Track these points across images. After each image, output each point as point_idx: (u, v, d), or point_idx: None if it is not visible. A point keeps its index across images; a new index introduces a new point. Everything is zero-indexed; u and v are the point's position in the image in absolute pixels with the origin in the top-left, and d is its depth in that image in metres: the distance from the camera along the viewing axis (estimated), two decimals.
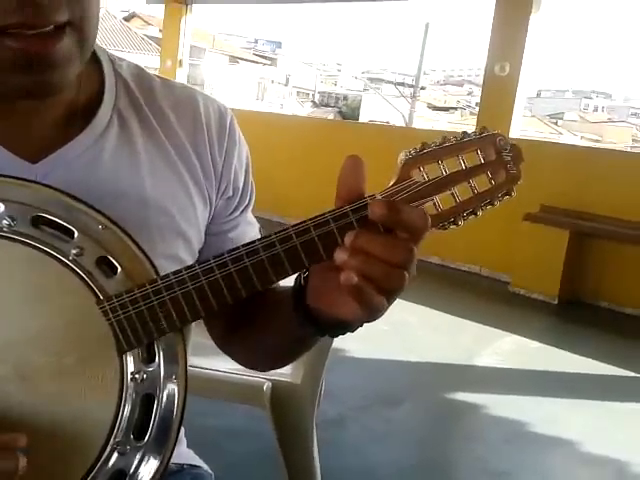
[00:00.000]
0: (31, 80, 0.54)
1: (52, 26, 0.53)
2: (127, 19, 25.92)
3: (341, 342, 3.07)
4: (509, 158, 0.57)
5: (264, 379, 1.51)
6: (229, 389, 1.54)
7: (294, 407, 1.56)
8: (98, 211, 0.54)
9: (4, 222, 0.52)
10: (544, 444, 2.40)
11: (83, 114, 0.64)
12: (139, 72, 0.71)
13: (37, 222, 0.53)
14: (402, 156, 0.56)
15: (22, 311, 0.52)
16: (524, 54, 4.77)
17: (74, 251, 0.53)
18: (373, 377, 2.88)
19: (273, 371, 0.76)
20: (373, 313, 0.54)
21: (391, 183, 0.56)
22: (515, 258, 4.46)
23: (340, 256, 0.52)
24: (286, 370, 1.57)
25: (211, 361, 1.45)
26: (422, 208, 0.54)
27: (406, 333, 3.48)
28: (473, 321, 3.73)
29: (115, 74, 0.68)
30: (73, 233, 0.54)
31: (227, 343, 0.77)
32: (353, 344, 2.99)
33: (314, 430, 1.66)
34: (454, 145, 0.56)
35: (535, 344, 3.53)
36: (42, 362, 0.52)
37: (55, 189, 0.54)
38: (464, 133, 0.57)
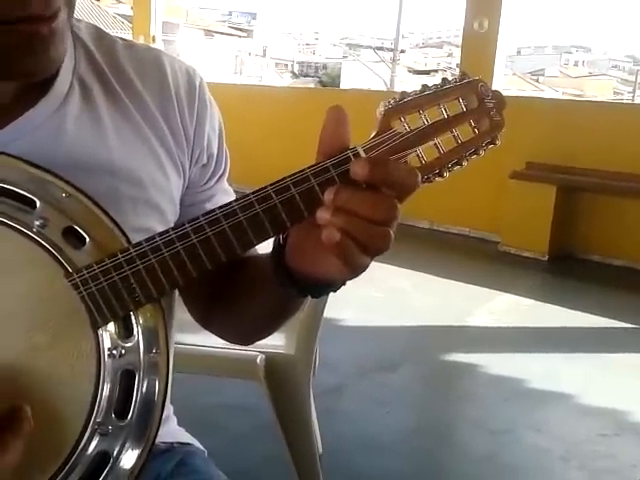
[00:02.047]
0: (41, 60, 0.54)
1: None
2: None
3: (334, 311, 3.09)
4: (492, 105, 0.55)
5: (257, 352, 1.49)
6: (222, 364, 1.52)
7: (289, 378, 1.54)
8: (60, 178, 0.50)
9: None
10: (542, 399, 2.42)
11: (41, 82, 0.60)
12: (99, 34, 0.67)
13: None
14: (381, 107, 0.53)
15: None
16: (502, 9, 4.70)
17: (37, 222, 0.49)
18: (368, 344, 2.88)
19: (266, 343, 0.74)
20: (355, 271, 0.52)
21: (372, 135, 0.53)
22: (503, 217, 4.46)
23: (322, 215, 0.50)
24: (279, 341, 1.55)
25: (202, 337, 1.42)
26: (410, 165, 0.52)
27: (399, 298, 3.48)
28: (465, 282, 3.74)
29: (73, 37, 0.64)
30: (35, 203, 0.50)
31: (209, 319, 0.75)
32: (346, 313, 2.98)
33: (311, 400, 1.64)
34: (435, 93, 0.54)
35: (528, 301, 3.55)
36: (11, 342, 0.48)
37: (11, 156, 0.50)
38: (444, 80, 0.55)
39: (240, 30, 33.10)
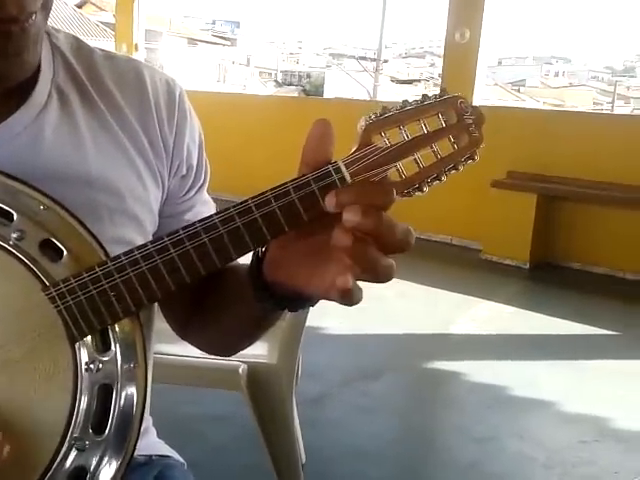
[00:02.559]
0: (12, 62, 0.54)
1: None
2: (79, 6, 25.22)
3: (317, 320, 3.09)
4: (470, 121, 0.55)
5: (239, 362, 1.48)
6: (204, 375, 1.51)
7: (271, 388, 1.54)
8: (38, 190, 0.50)
9: None
10: (524, 406, 2.43)
11: (20, 91, 0.60)
12: (78, 44, 0.67)
13: None
14: (362, 121, 0.54)
15: None
16: (483, 20, 4.76)
17: (14, 235, 0.49)
18: (351, 353, 2.88)
19: (248, 352, 0.73)
20: (378, 275, 0.51)
21: (353, 150, 0.53)
22: (484, 225, 4.49)
23: (350, 218, 0.49)
24: (261, 351, 1.55)
25: (182, 347, 1.41)
26: (383, 182, 0.52)
27: (382, 307, 3.48)
28: (447, 290, 3.76)
29: (52, 46, 0.64)
30: (12, 215, 0.49)
31: (187, 329, 0.74)
32: (329, 321, 2.98)
33: (294, 410, 1.64)
34: (415, 109, 0.54)
35: (510, 309, 3.57)
36: None
37: None
38: (424, 96, 0.56)
39: (224, 39, 33.11)
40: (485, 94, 5.91)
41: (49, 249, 0.50)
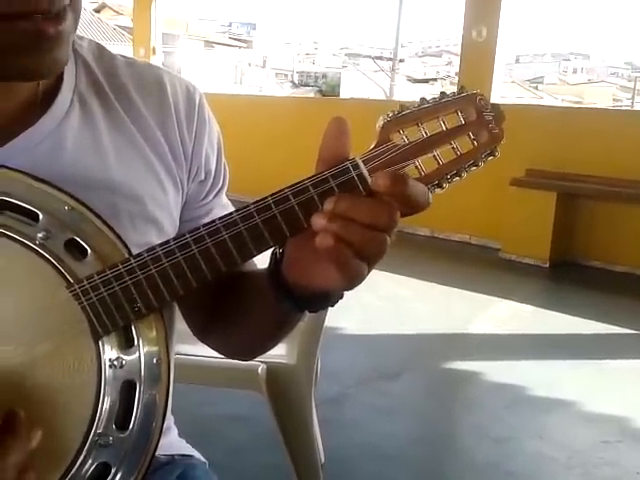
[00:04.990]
0: (44, 60, 0.54)
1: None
2: (97, 10, 25.49)
3: (335, 320, 3.08)
4: (490, 117, 0.56)
5: (258, 362, 1.49)
6: (223, 375, 1.52)
7: (291, 388, 1.54)
8: (63, 191, 0.51)
9: None
10: (544, 407, 2.41)
11: (43, 98, 0.61)
12: (100, 51, 0.68)
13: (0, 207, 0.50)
14: (381, 120, 0.54)
15: None
16: (500, 17, 4.73)
17: (40, 235, 0.50)
18: (370, 353, 2.88)
19: (267, 353, 0.74)
20: (352, 280, 0.52)
21: (371, 147, 0.53)
22: (504, 224, 4.46)
23: (318, 221, 0.50)
24: (280, 351, 1.55)
25: (202, 348, 1.42)
26: (423, 186, 0.52)
27: (400, 307, 3.47)
28: (466, 290, 3.74)
29: (75, 54, 0.64)
30: (38, 216, 0.50)
31: (207, 332, 0.75)
32: (347, 321, 2.98)
33: (313, 410, 1.64)
34: (433, 106, 0.54)
35: (529, 308, 3.54)
36: (15, 352, 0.49)
37: (16, 170, 0.51)
38: (442, 94, 0.56)
39: (240, 41, 33.25)
40: (503, 92, 5.87)
41: (74, 248, 0.51)
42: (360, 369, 2.67)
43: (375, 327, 3.13)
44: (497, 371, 2.66)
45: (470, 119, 0.55)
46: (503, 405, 2.41)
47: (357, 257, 0.50)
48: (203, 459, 0.80)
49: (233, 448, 1.97)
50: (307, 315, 0.65)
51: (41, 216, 0.50)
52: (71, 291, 0.49)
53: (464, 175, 0.56)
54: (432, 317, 3.37)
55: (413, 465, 2.02)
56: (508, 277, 4.14)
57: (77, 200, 0.51)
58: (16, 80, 0.57)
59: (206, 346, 0.78)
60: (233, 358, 0.79)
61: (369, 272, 0.52)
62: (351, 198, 0.50)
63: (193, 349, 1.41)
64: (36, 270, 0.49)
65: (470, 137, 0.55)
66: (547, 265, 4.29)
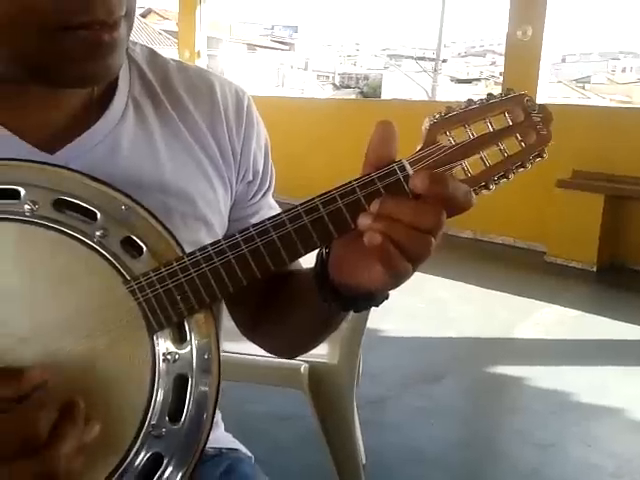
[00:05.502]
0: (99, 66, 0.55)
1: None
2: (143, 15, 26.06)
3: (378, 322, 3.07)
4: (538, 119, 0.56)
5: (301, 361, 1.50)
6: (267, 373, 1.54)
7: (333, 388, 1.55)
8: (120, 191, 0.53)
9: (26, 207, 0.51)
10: (591, 413, 2.36)
11: (98, 102, 0.63)
12: (153, 56, 0.70)
13: (59, 205, 0.52)
14: (427, 121, 0.54)
15: (50, 295, 0.51)
16: (546, 16, 4.64)
17: (98, 233, 0.52)
18: (412, 355, 2.86)
19: (309, 352, 0.75)
20: (397, 278, 0.53)
21: (417, 148, 0.54)
22: (550, 227, 4.38)
23: (363, 221, 0.51)
24: (322, 351, 1.56)
25: (246, 345, 1.45)
26: (466, 187, 0.52)
27: (443, 309, 3.44)
28: (510, 294, 3.68)
29: (129, 59, 0.67)
30: (96, 215, 0.52)
31: (252, 330, 0.76)
32: (390, 324, 2.98)
33: (355, 410, 1.65)
34: (480, 107, 0.54)
35: (576, 313, 3.46)
36: (72, 346, 0.51)
37: (75, 171, 0.53)
38: (490, 95, 0.56)
39: (282, 43, 33.48)
40: (549, 92, 5.76)
41: (130, 246, 0.52)
42: (402, 371, 2.66)
43: (418, 330, 3.12)
44: (542, 376, 2.62)
45: (517, 120, 0.55)
46: (548, 411, 2.36)
47: (402, 257, 0.51)
48: (249, 453, 0.81)
49: (276, 446, 1.99)
50: (350, 315, 0.66)
51: (99, 215, 0.52)
52: (128, 287, 0.51)
53: (511, 177, 0.56)
54: (475, 321, 3.33)
55: (454, 469, 2.01)
56: (554, 281, 4.05)
57: (133, 200, 0.53)
58: (74, 86, 0.58)
59: (251, 344, 0.79)
60: (278, 355, 0.81)
61: (413, 272, 0.53)
62: (396, 199, 0.51)
63: (238, 347, 1.44)
64: (94, 267, 0.51)
65: (518, 138, 0.56)
66: (594, 269, 4.18)
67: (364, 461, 1.71)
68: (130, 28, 0.58)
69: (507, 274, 4.16)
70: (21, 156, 0.54)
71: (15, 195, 0.52)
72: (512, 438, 2.24)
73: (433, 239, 0.51)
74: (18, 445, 0.43)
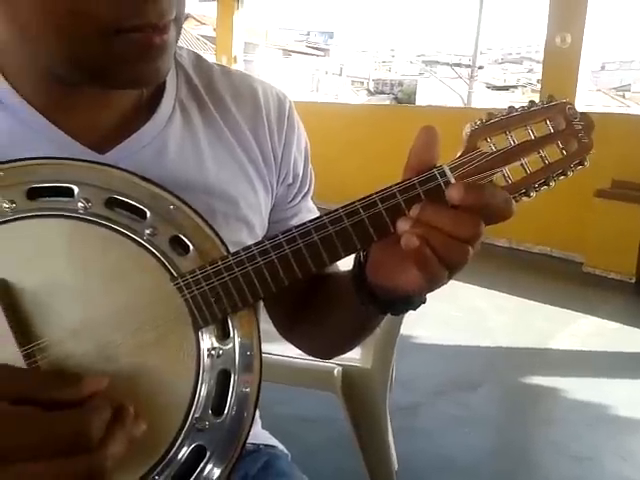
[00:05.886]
0: (150, 68, 0.57)
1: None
2: None
3: (412, 329, 3.06)
4: (580, 127, 0.56)
5: (334, 364, 1.51)
6: (300, 375, 1.55)
7: (366, 391, 1.55)
8: (169, 192, 0.55)
9: (79, 204, 0.53)
10: (628, 427, 2.31)
11: (147, 105, 0.65)
12: (198, 61, 0.72)
13: (111, 204, 0.54)
14: (468, 127, 0.55)
15: (101, 290, 0.53)
16: (585, 23, 4.57)
17: (148, 231, 0.54)
18: (446, 363, 2.84)
19: (343, 356, 0.76)
20: (432, 283, 0.53)
21: (458, 154, 0.54)
22: (588, 237, 4.30)
23: (402, 226, 0.52)
24: (356, 355, 1.57)
25: (281, 347, 1.46)
26: (506, 193, 0.53)
27: (477, 318, 3.41)
28: (546, 304, 3.63)
29: (176, 64, 0.69)
30: (146, 214, 0.54)
31: (289, 330, 0.78)
32: (424, 331, 2.96)
33: (387, 415, 1.65)
34: (521, 115, 0.55)
35: (613, 325, 3.40)
36: (123, 339, 0.52)
37: (126, 171, 0.55)
38: (531, 102, 0.57)
39: (317, 49, 33.63)
40: (588, 100, 5.67)
41: (177, 244, 0.54)
42: (436, 379, 2.65)
43: (452, 338, 3.09)
44: (578, 388, 2.57)
45: (559, 128, 0.56)
46: (584, 423, 2.32)
47: (439, 263, 0.51)
48: (286, 451, 0.82)
49: (306, 449, 2.00)
50: (384, 320, 0.67)
51: (148, 214, 0.54)
52: (175, 284, 0.53)
53: (552, 184, 0.57)
54: (511, 330, 3.29)
55: (488, 478, 1.99)
56: (591, 292, 3.98)
57: (180, 200, 0.55)
58: (125, 87, 0.60)
59: (284, 345, 0.80)
60: (314, 356, 0.82)
61: (450, 279, 0.53)
62: (435, 207, 0.51)
63: (272, 347, 1.46)
64: (144, 264, 0.53)
65: (559, 146, 0.56)
66: (633, 280, 4.09)
67: (396, 467, 1.70)
68: (179, 32, 0.60)
69: (544, 284, 4.10)
70: (74, 155, 0.56)
71: (69, 193, 0.54)
72: (546, 449, 2.20)
73: (471, 248, 0.51)
74: (71, 444, 0.45)
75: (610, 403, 2.44)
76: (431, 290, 0.55)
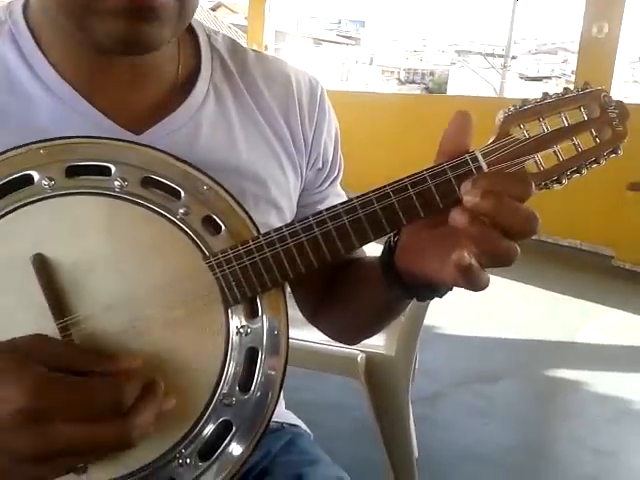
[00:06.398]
0: (135, 30, 0.56)
1: None
2: (213, 9, 26.54)
3: (436, 319, 3.04)
4: (614, 115, 0.56)
5: (358, 350, 1.52)
6: (324, 360, 1.57)
7: (388, 378, 1.56)
8: (203, 173, 0.56)
9: (116, 183, 0.55)
10: None
11: (182, 87, 0.66)
12: (233, 45, 0.73)
13: (146, 183, 0.56)
14: (501, 113, 0.55)
15: (135, 267, 0.55)
16: (624, 12, 4.47)
17: (181, 210, 0.55)
18: (469, 354, 2.84)
19: (367, 342, 0.77)
20: (497, 262, 0.51)
21: (490, 140, 0.54)
22: (619, 230, 4.23)
23: (470, 199, 0.50)
24: (379, 342, 1.58)
25: (305, 332, 1.48)
26: (521, 173, 0.53)
27: (503, 310, 3.39)
28: (574, 297, 3.58)
29: (211, 48, 0.70)
30: (180, 193, 0.56)
31: (317, 315, 0.79)
32: (449, 321, 2.96)
33: (409, 404, 1.65)
34: (555, 101, 0.55)
35: None
36: (155, 315, 0.54)
37: (161, 151, 0.57)
38: (566, 89, 0.56)
39: (348, 38, 33.42)
40: (625, 92, 5.55)
41: (210, 224, 0.56)
42: (458, 369, 2.64)
43: (476, 329, 3.08)
44: (603, 382, 2.55)
45: (593, 116, 0.55)
46: (607, 418, 2.30)
47: (504, 234, 0.50)
48: (309, 431, 0.84)
49: (326, 435, 2.01)
50: (409, 308, 0.67)
51: (182, 194, 0.56)
52: (207, 263, 0.54)
53: (584, 172, 0.56)
54: (537, 323, 3.26)
55: (507, 471, 1.98)
56: (621, 286, 3.92)
57: (214, 180, 0.56)
58: (114, 52, 0.59)
59: (308, 330, 0.81)
60: (339, 341, 0.83)
61: (515, 256, 0.51)
62: (493, 175, 0.52)
63: (297, 333, 1.47)
64: (177, 242, 0.55)
65: (592, 134, 0.56)
66: None
67: (416, 455, 1.71)
68: (185, 8, 0.58)
69: (572, 277, 4.05)
70: (110, 135, 0.58)
71: (106, 172, 0.56)
72: (569, 443, 2.19)
73: (517, 247, 0.50)
74: (104, 409, 0.47)
75: (635, 398, 2.41)
76: (469, 284, 0.52)
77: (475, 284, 0.52)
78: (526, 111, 0.54)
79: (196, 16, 0.65)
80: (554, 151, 0.55)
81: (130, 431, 0.48)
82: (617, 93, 4.58)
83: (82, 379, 0.48)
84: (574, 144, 0.55)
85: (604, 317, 3.35)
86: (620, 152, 0.56)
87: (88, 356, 0.51)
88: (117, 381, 0.49)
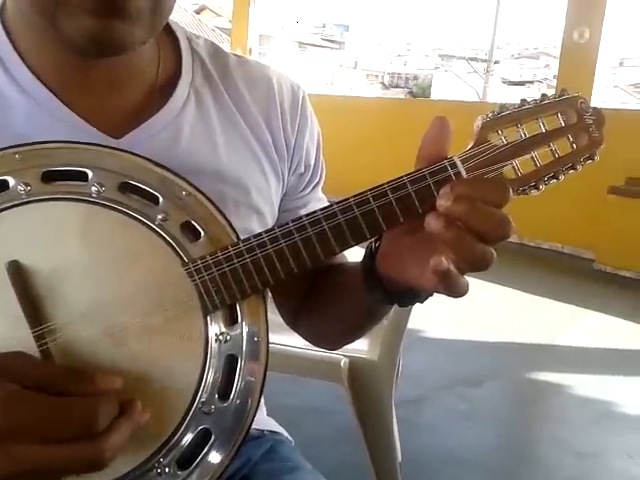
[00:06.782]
0: (106, 27, 0.54)
1: None
2: (197, 12, 26.47)
3: (419, 323, 3.04)
4: (591, 121, 0.56)
5: (341, 355, 1.52)
6: (307, 365, 1.56)
7: (372, 383, 1.56)
8: (182, 178, 0.56)
9: (93, 188, 0.54)
10: (633, 425, 2.30)
11: (162, 91, 0.66)
12: (215, 49, 0.72)
13: (124, 189, 0.55)
14: (479, 120, 0.55)
15: (112, 274, 0.54)
16: (604, 18, 4.52)
17: (160, 216, 0.54)
18: (452, 358, 2.84)
19: (350, 347, 0.76)
20: (473, 266, 0.51)
21: (469, 147, 0.55)
22: (599, 234, 4.27)
23: (443, 203, 0.50)
24: (363, 346, 1.57)
25: (288, 337, 1.47)
26: (499, 179, 0.53)
27: (485, 313, 3.41)
28: (555, 300, 3.61)
29: (192, 51, 0.69)
30: (158, 199, 0.55)
31: (296, 320, 0.78)
32: (431, 325, 2.96)
33: (393, 408, 1.65)
34: (533, 108, 0.55)
35: (624, 323, 3.38)
36: (132, 322, 0.53)
37: (140, 156, 0.56)
38: (543, 95, 0.57)
39: (332, 42, 33.49)
40: (605, 96, 5.62)
41: (189, 230, 0.55)
42: (441, 373, 2.65)
43: (458, 332, 3.09)
44: (585, 385, 2.57)
45: (570, 122, 0.56)
46: (589, 420, 2.32)
47: (479, 239, 0.50)
48: (290, 437, 0.83)
49: (309, 440, 2.01)
50: (391, 312, 0.67)
51: (161, 199, 0.55)
52: (186, 269, 0.54)
53: (561, 178, 0.57)
54: (518, 326, 3.28)
55: (490, 473, 1.99)
56: (602, 289, 3.96)
57: (193, 186, 0.56)
58: (89, 53, 0.57)
59: (290, 335, 0.81)
60: (320, 347, 0.83)
61: (490, 262, 0.51)
62: (470, 181, 0.52)
63: (279, 338, 1.47)
64: (155, 249, 0.54)
65: (569, 140, 0.56)
66: None
67: (400, 459, 1.71)
68: (159, 7, 0.57)
69: (553, 280, 4.09)
70: (88, 140, 0.57)
71: (83, 177, 0.55)
72: (551, 446, 2.20)
73: (493, 250, 0.50)
74: (76, 430, 0.46)
75: (616, 400, 2.44)
76: (449, 289, 0.52)
77: (454, 290, 0.52)
78: (504, 117, 0.55)
79: (179, 19, 0.65)
80: (532, 157, 0.55)
81: (102, 453, 0.46)
82: (597, 98, 4.64)
83: (55, 398, 0.46)
84: (551, 150, 0.56)
85: (585, 320, 3.38)
86: (597, 158, 0.57)
87: (66, 375, 0.49)
88: (93, 401, 0.47)
